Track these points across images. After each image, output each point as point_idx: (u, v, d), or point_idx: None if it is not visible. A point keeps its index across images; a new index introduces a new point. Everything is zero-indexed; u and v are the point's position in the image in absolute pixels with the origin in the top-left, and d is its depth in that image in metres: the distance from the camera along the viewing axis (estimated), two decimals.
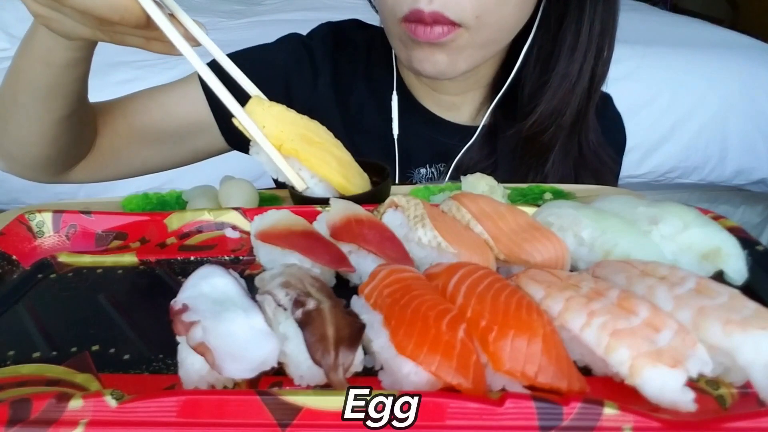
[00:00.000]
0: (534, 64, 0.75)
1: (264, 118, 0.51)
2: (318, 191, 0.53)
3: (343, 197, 0.50)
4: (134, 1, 0.43)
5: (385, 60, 0.81)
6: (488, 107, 0.79)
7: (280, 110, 0.53)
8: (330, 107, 0.81)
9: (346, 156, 0.55)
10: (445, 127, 0.81)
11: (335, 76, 0.82)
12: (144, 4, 0.44)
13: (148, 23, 0.45)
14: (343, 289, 0.43)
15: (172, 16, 0.47)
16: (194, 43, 0.48)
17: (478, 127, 0.79)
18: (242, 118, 0.50)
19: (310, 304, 0.33)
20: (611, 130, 0.84)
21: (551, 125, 0.73)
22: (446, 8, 0.61)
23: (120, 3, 0.43)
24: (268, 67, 0.81)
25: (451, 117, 0.81)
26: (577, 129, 0.75)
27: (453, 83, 0.77)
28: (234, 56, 0.80)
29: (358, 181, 0.54)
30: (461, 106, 0.81)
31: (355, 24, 0.88)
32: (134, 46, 0.50)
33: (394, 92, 0.79)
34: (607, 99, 0.86)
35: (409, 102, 0.81)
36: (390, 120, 0.79)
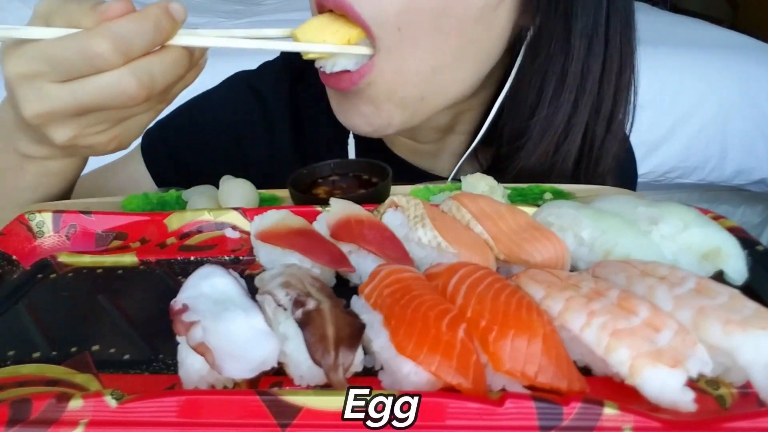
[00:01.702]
0: (510, 108, 0.61)
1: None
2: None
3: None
4: (176, 50, 0.42)
5: None
6: (474, 157, 0.68)
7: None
8: (292, 160, 0.73)
9: None
10: (424, 178, 0.70)
11: (294, 122, 0.73)
12: (182, 42, 0.43)
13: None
14: (343, 289, 0.43)
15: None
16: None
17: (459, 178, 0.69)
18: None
19: (310, 304, 0.33)
20: (622, 178, 0.69)
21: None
22: (357, 3, 0.49)
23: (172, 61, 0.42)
24: (214, 123, 0.75)
25: (429, 165, 0.72)
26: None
27: (422, 129, 0.66)
28: (178, 112, 0.76)
29: None
30: (439, 153, 0.72)
31: None
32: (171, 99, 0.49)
33: (350, 137, 0.68)
34: (627, 148, 0.71)
35: (379, 147, 0.72)
36: None
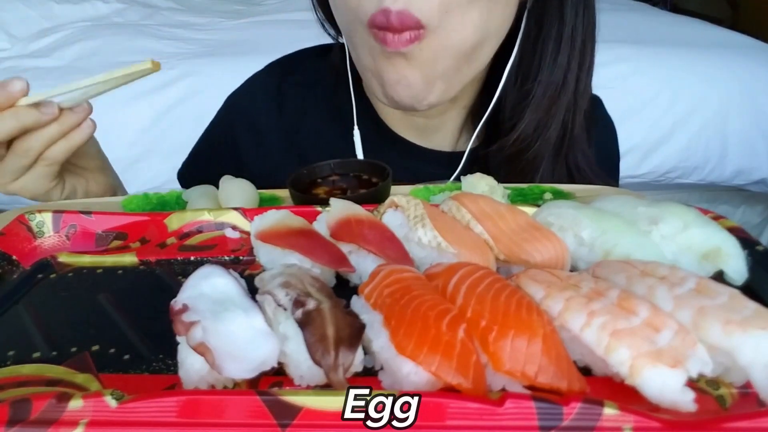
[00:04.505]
0: (515, 75, 0.69)
1: None
2: None
3: None
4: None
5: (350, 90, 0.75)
6: (470, 130, 0.74)
7: None
8: (289, 163, 0.76)
9: None
10: (426, 156, 0.76)
11: (287, 122, 0.78)
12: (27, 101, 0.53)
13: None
14: (343, 289, 0.43)
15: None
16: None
17: (460, 153, 0.74)
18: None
19: (310, 304, 0.33)
20: (602, 137, 0.78)
21: (536, 140, 0.69)
22: (412, 4, 0.54)
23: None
24: (218, 145, 0.83)
25: (430, 143, 0.77)
26: (563, 148, 0.70)
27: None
28: (198, 143, 0.87)
29: None
30: (439, 128, 0.76)
31: (313, 53, 0.82)
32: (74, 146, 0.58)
33: (356, 128, 0.74)
34: (596, 102, 0.80)
35: (380, 132, 0.76)
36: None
